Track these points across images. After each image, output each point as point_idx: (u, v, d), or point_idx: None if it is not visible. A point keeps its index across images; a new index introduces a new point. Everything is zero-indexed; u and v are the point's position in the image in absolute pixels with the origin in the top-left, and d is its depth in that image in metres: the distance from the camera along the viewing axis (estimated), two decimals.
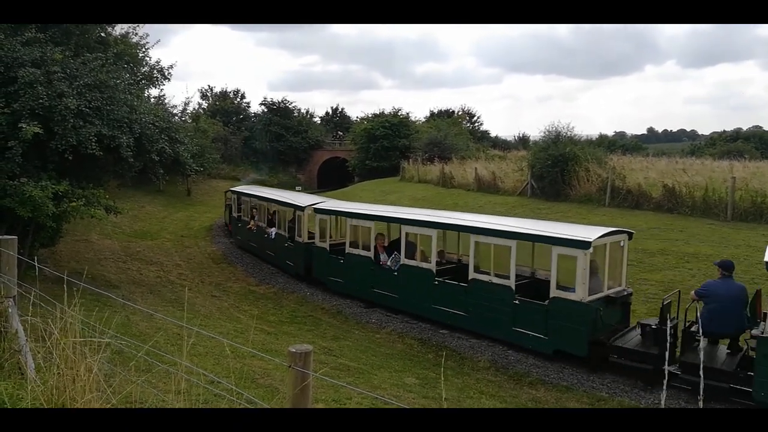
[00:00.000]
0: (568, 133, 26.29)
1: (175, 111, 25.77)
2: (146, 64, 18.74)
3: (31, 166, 12.43)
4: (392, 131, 43.98)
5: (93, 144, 12.45)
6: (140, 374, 4.01)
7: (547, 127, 26.95)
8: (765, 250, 9.25)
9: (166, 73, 18.50)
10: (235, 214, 24.18)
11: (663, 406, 8.07)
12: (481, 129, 62.42)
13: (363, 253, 14.81)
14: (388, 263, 14.22)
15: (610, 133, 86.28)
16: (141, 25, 19.07)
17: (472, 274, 11.87)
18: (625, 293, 10.92)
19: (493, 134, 64.51)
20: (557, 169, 22.77)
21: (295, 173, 54.14)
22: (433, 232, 13.04)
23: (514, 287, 11.09)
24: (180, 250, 23.12)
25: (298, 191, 26.69)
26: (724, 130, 69.20)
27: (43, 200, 11.62)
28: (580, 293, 10.00)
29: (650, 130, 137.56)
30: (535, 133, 53.84)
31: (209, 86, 62.78)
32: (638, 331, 10.02)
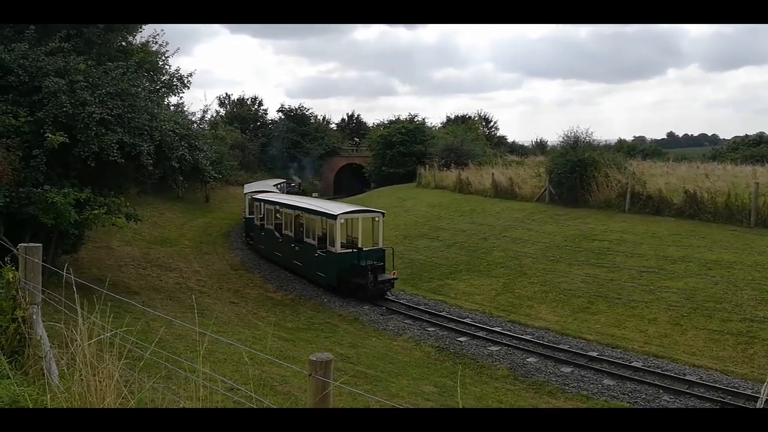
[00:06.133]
0: (587, 138, 26.02)
1: (193, 118, 26.06)
2: (166, 72, 18.98)
3: (54, 174, 12.64)
4: (408, 137, 43.90)
5: (115, 151, 12.62)
6: (160, 381, 4.02)
7: (566, 133, 26.71)
8: None
9: (185, 81, 18.72)
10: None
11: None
12: (497, 134, 62.08)
13: None
14: None
15: (629, 137, 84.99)
16: (161, 32, 19.37)
17: None
18: None
19: (510, 139, 64.04)
20: (576, 174, 22.52)
21: (311, 179, 54.35)
22: None
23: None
24: (198, 256, 23.33)
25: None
26: (747, 135, 67.62)
27: (65, 207, 11.80)
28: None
29: (670, 134, 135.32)
30: (553, 138, 53.40)
31: (227, 94, 63.49)
32: None
